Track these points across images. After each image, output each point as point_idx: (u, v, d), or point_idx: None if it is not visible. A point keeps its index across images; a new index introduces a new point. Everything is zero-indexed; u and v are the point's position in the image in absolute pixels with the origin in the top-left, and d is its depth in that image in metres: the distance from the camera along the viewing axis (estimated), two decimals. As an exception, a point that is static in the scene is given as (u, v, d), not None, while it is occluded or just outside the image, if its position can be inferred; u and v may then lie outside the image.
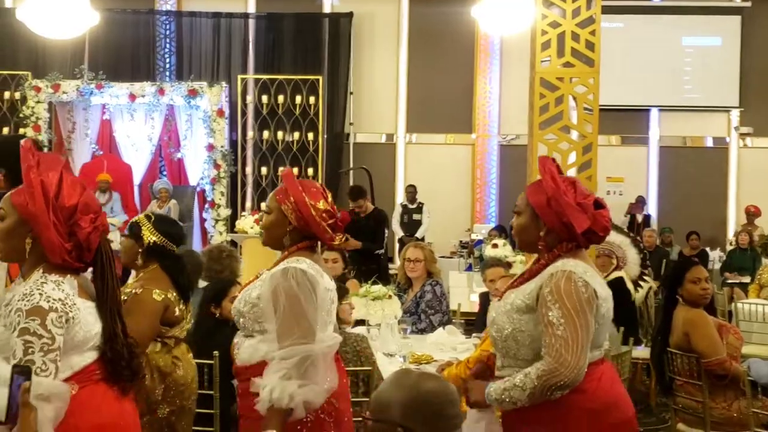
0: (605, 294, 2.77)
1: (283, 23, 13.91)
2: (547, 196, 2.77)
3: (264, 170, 13.37)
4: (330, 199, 3.11)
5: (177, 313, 3.92)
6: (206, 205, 12.91)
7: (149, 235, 3.95)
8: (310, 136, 13.37)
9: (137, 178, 13.31)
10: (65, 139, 13.39)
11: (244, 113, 13.51)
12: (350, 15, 13.88)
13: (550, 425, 2.71)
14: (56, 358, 2.35)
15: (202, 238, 13.04)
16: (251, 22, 14.05)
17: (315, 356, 2.82)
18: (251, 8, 14.20)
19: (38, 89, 12.82)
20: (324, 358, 2.87)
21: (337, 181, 13.46)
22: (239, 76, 13.55)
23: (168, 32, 13.93)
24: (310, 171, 13.32)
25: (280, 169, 13.31)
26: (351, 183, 12.71)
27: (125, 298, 3.84)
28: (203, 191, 13.05)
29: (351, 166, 13.54)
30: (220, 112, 12.87)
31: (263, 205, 3.29)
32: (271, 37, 13.93)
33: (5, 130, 13.22)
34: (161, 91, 12.89)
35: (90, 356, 2.50)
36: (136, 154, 13.41)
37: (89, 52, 13.23)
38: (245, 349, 2.98)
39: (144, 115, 13.31)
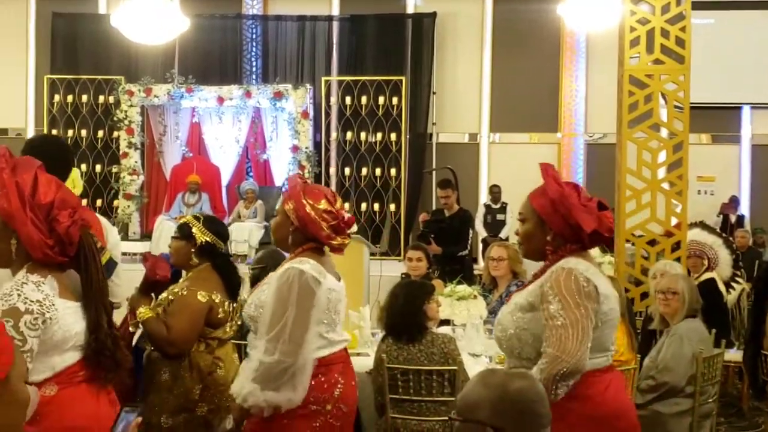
0: (608, 293, 2.75)
1: (367, 24, 14.00)
2: (553, 200, 2.78)
3: (347, 171, 13.48)
4: (338, 203, 3.17)
5: (221, 314, 3.95)
6: (292, 206, 13.07)
7: (201, 236, 4.01)
8: (393, 136, 13.42)
9: (225, 179, 13.59)
10: (156, 142, 13.77)
11: (327, 114, 13.64)
12: (433, 15, 13.87)
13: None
14: (26, 360, 2.37)
15: (287, 238, 13.21)
16: (335, 24, 14.18)
17: (294, 369, 2.89)
18: (335, 10, 14.34)
19: (131, 93, 13.22)
20: (304, 369, 2.92)
21: (420, 181, 13.46)
22: (323, 78, 13.69)
23: (254, 36, 14.18)
24: (393, 171, 13.37)
25: (363, 170, 13.41)
26: (433, 183, 12.72)
27: (172, 298, 3.92)
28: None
29: (434, 166, 13.53)
30: (305, 114, 13.03)
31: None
32: (354, 38, 14.04)
33: (100, 133, 13.68)
34: (248, 94, 13.13)
35: (71, 357, 2.51)
36: (224, 155, 13.69)
37: (179, 57, 13.57)
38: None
39: (231, 117, 13.57)
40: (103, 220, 3.75)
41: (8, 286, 2.47)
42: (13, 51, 14.67)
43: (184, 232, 4.08)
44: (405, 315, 4.28)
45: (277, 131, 13.56)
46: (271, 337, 2.92)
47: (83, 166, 13.50)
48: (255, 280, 5.21)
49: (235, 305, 4.04)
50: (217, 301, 3.94)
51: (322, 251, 3.18)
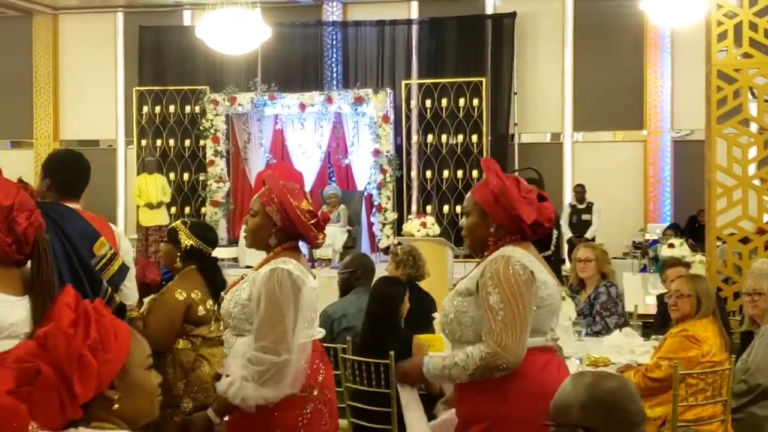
0: (545, 279, 2.83)
1: (446, 27, 13.99)
2: (494, 193, 2.85)
3: (428, 174, 13.48)
4: (310, 199, 3.20)
5: (201, 312, 4.11)
6: (374, 209, 13.17)
7: (186, 240, 4.25)
8: (474, 138, 13.36)
9: (308, 184, 13.75)
10: (241, 150, 14.03)
11: (408, 118, 13.68)
12: (513, 15, 13.78)
13: (491, 405, 2.79)
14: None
15: (370, 241, 13.31)
16: (414, 28, 14.22)
17: (282, 368, 2.93)
18: (414, 14, 14.38)
19: (216, 103, 13.51)
20: (294, 369, 2.97)
21: (503, 182, 13.37)
22: (403, 82, 13.73)
23: (334, 42, 14.32)
24: (475, 173, 13.32)
25: (445, 172, 13.39)
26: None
27: (155, 297, 4.08)
28: (370, 196, 13.32)
29: (516, 167, 13.43)
30: (385, 118, 13.10)
31: (249, 211, 3.41)
32: (433, 41, 14.05)
33: (187, 142, 14.02)
34: (329, 100, 13.27)
35: (5, 344, 2.66)
36: (307, 161, 13.86)
37: (262, 65, 13.81)
38: (237, 347, 3.07)
39: (313, 123, 13.74)
40: (115, 228, 3.91)
41: None
42: (103, 65, 15.17)
43: (171, 236, 4.35)
44: None
45: (359, 136, 13.67)
46: (275, 339, 2.96)
47: (171, 175, 13.86)
48: (343, 284, 5.28)
49: (216, 307, 4.14)
50: (196, 299, 4.11)
51: (299, 250, 3.23)
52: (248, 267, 12.26)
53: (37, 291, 2.78)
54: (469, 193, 3.01)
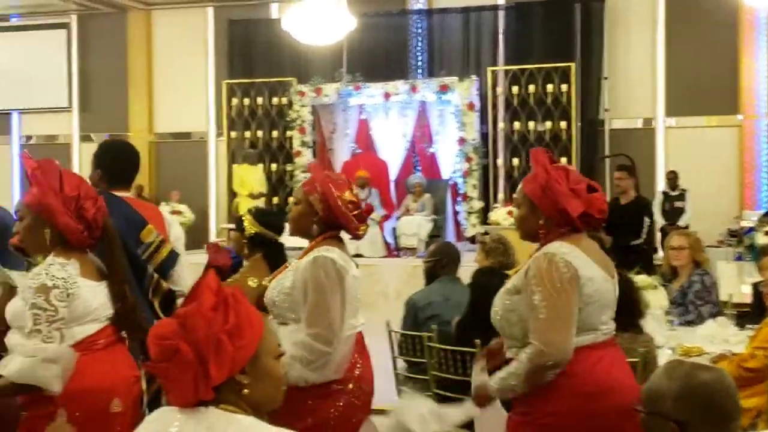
0: (592, 274, 2.81)
1: (533, 12, 13.78)
2: (542, 185, 2.88)
3: (515, 161, 13.31)
4: (354, 190, 3.23)
5: None
6: (459, 198, 13.10)
7: (250, 227, 4.39)
8: (563, 124, 13.13)
9: (393, 173, 13.77)
10: (327, 140, 14.14)
11: (494, 105, 13.52)
12: (602, -2, 13.49)
13: (542, 403, 2.80)
14: (61, 327, 2.86)
15: (455, 230, 13.24)
16: (500, 14, 14.05)
17: (330, 358, 2.99)
18: (500, 0, 14.21)
19: (302, 94, 13.64)
20: (339, 357, 3.03)
21: (593, 170, 13.13)
22: (489, 69, 13.58)
23: (420, 30, 14.27)
24: (564, 160, 13.05)
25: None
26: (607, 171, 12.39)
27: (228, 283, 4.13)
28: (456, 184, 13.25)
29: (607, 153, 13.16)
30: (471, 106, 12.99)
31: (291, 199, 3.40)
32: (520, 26, 13.84)
33: (274, 134, 14.20)
34: (414, 89, 13.24)
35: (91, 328, 2.97)
36: (392, 150, 13.87)
37: (347, 56, 13.85)
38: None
39: (398, 112, 13.73)
40: (165, 214, 4.02)
41: (38, 268, 2.95)
42: (194, 59, 15.50)
43: (238, 224, 4.50)
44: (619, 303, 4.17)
45: (444, 124, 13.60)
46: (326, 327, 2.99)
47: (260, 166, 14.09)
48: (429, 273, 5.27)
49: None
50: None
51: (341, 239, 3.23)
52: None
53: (112, 275, 3.03)
54: (520, 185, 3.06)
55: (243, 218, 4.48)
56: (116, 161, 3.82)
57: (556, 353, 2.72)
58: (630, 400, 2.78)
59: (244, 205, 13.11)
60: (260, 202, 13.17)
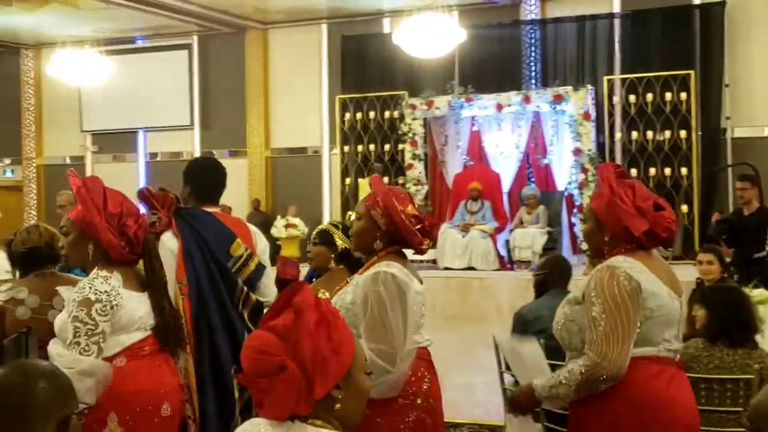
0: (655, 289, 2.78)
1: (650, 19, 13.43)
2: (606, 202, 2.87)
3: (633, 172, 12.90)
4: (416, 204, 3.18)
5: None
6: (575, 210, 12.84)
7: (342, 242, 4.35)
8: (683, 133, 12.73)
9: (506, 185, 13.64)
10: (438, 152, 14.14)
11: (611, 115, 13.23)
12: (722, 3, 13.00)
13: (593, 411, 2.80)
14: (99, 341, 2.99)
15: (571, 243, 12.98)
16: (616, 22, 13.77)
17: (389, 375, 2.93)
18: (616, 8, 13.91)
19: (414, 107, 13.70)
20: (398, 375, 2.96)
21: (715, 179, 12.64)
22: (605, 78, 13.31)
23: (533, 41, 14.12)
24: (684, 170, 12.69)
25: (652, 170, 12.84)
26: (729, 181, 11.92)
27: None
28: (571, 196, 13.00)
29: (729, 162, 12.65)
30: (586, 116, 12.75)
31: (352, 213, 3.33)
32: (636, 34, 13.52)
33: (386, 147, 14.33)
34: (527, 99, 13.10)
35: (137, 335, 3.11)
36: (505, 162, 13.74)
37: (459, 68, 13.84)
38: None
39: (511, 123, 13.61)
40: (252, 228, 4.04)
41: (82, 282, 3.09)
42: (309, 75, 15.83)
43: (324, 238, 4.47)
44: (734, 319, 4.00)
45: (558, 135, 13.38)
46: (389, 343, 2.95)
47: (384, 180, 14.19)
48: (538, 286, 5.17)
49: None
50: None
51: (404, 254, 3.19)
52: (447, 269, 12.37)
53: (153, 287, 3.17)
54: (589, 201, 3.06)
55: (331, 233, 4.50)
56: (205, 179, 3.95)
57: (610, 367, 2.70)
58: (687, 419, 2.79)
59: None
60: None
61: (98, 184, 3.16)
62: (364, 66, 15.10)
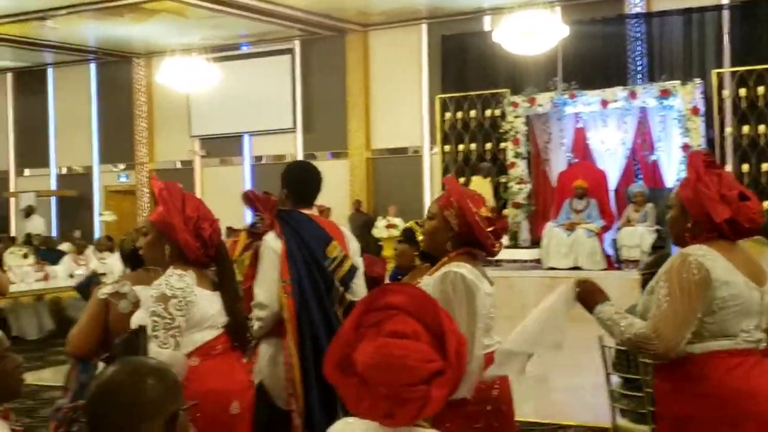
0: (729, 278, 2.75)
1: (760, 10, 12.94)
2: (692, 189, 2.87)
3: (745, 167, 12.50)
4: (489, 207, 3.18)
5: None
6: (684, 207, 12.45)
7: None
8: (799, 127, 12.20)
9: (612, 183, 13.35)
10: (542, 150, 13.96)
11: (720, 109, 12.78)
12: (840, -11, 12.41)
13: (671, 404, 2.83)
14: (176, 335, 3.10)
15: (680, 241, 12.60)
16: (725, 14, 13.32)
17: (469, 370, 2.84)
18: (724, -1, 13.47)
19: (515, 105, 13.56)
20: (470, 378, 2.88)
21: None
22: (713, 71, 12.88)
23: (638, 35, 13.79)
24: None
25: (765, 165, 12.36)
26: None
27: None
28: (680, 193, 12.61)
29: None
30: (695, 110, 12.36)
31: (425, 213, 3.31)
32: (747, 26, 13.04)
33: (488, 146, 14.22)
34: (633, 95, 12.79)
35: (209, 334, 3.22)
36: (610, 159, 13.46)
37: (562, 64, 13.63)
38: None
39: (616, 120, 13.32)
40: (344, 230, 4.13)
41: (159, 279, 3.21)
42: (409, 75, 15.90)
43: (407, 236, 4.60)
44: None
45: (666, 130, 13.03)
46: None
47: (473, 178, 14.22)
48: (645, 285, 5.05)
49: None
50: None
51: (475, 255, 3.17)
52: (552, 268, 12.19)
53: (225, 288, 3.31)
54: (677, 188, 3.06)
55: (413, 230, 4.59)
56: (301, 182, 4.07)
57: (660, 345, 2.71)
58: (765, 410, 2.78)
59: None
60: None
61: (177, 189, 3.32)
62: (464, 65, 15.04)
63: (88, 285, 7.32)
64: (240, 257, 3.98)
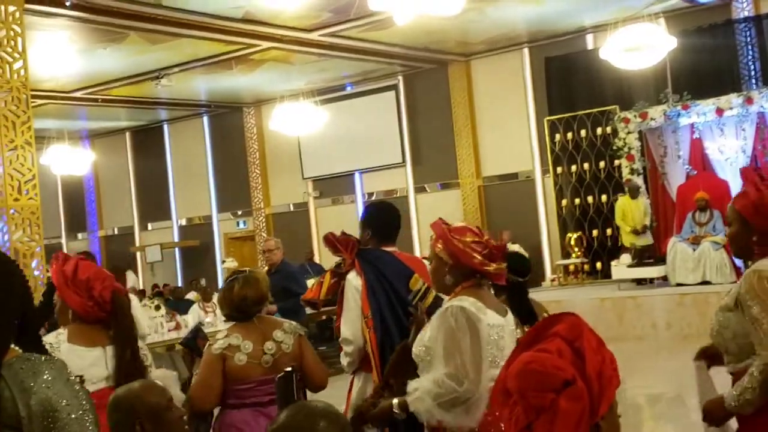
0: None
1: None
2: (753, 203, 2.93)
3: None
4: (482, 232, 3.24)
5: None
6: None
7: None
8: None
9: (734, 191, 12.90)
10: (658, 164, 13.66)
11: None
12: None
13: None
14: None
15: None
16: (840, 7, 12.79)
17: (462, 397, 2.96)
18: (841, -7, 12.93)
19: (627, 120, 13.33)
20: (481, 398, 2.97)
21: None
22: (833, 68, 12.37)
23: (748, 39, 13.40)
24: None
25: None
26: None
27: None
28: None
29: None
30: (817, 110, 11.88)
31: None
32: None
33: (601, 164, 14.04)
34: (749, 101, 12.41)
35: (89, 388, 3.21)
36: (730, 168, 13.04)
37: (671, 76, 13.34)
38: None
39: (734, 127, 12.92)
40: (426, 263, 4.13)
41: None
42: (514, 100, 15.86)
43: None
44: None
45: (786, 134, 12.55)
46: (456, 366, 3.00)
47: (589, 198, 14.00)
48: None
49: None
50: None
51: (481, 286, 3.24)
52: (679, 284, 11.84)
53: (118, 341, 3.44)
54: (730, 203, 3.11)
55: None
56: (382, 222, 4.31)
57: None
58: None
59: (627, 240, 12.87)
60: (645, 238, 12.79)
61: (71, 260, 3.59)
62: (570, 85, 14.92)
63: (194, 339, 7.57)
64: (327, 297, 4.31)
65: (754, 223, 2.94)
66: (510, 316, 3.32)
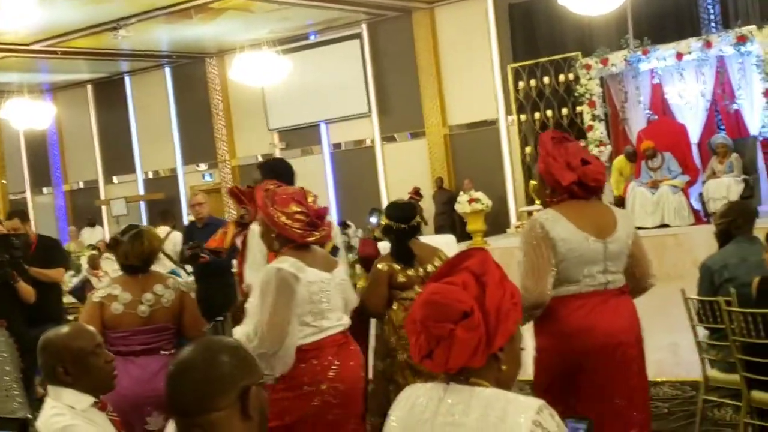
0: (565, 236, 3.25)
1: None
2: (540, 171, 3.43)
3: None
4: (309, 197, 3.49)
5: (402, 279, 4.49)
6: (772, 154, 12.10)
7: (382, 219, 4.73)
8: None
9: (694, 136, 13.03)
10: (619, 110, 13.74)
11: (803, 49, 12.32)
12: None
13: (536, 344, 3.36)
14: None
15: (771, 189, 12.25)
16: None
17: (273, 355, 3.28)
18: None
19: (588, 67, 13.36)
20: (285, 355, 3.33)
21: None
22: (792, 11, 12.41)
23: (709, -18, 13.38)
24: None
25: None
26: None
27: None
28: (766, 140, 12.25)
29: None
30: (776, 54, 11.95)
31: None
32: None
33: (564, 111, 14.07)
34: (708, 45, 12.46)
35: None
36: (691, 113, 13.14)
37: (632, 21, 13.33)
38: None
39: (694, 72, 12.98)
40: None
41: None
42: (478, 48, 15.80)
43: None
44: None
45: (746, 78, 12.63)
46: (253, 328, 3.31)
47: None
48: (722, 235, 4.96)
49: (420, 271, 4.51)
50: (396, 268, 4.51)
51: (306, 247, 3.49)
52: (639, 228, 11.88)
53: None
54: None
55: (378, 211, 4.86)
56: (276, 176, 4.30)
57: (530, 297, 3.16)
58: (600, 341, 3.22)
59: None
60: None
61: None
62: (533, 32, 14.89)
63: (82, 288, 7.96)
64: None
65: (546, 180, 3.41)
66: (340, 269, 3.63)
